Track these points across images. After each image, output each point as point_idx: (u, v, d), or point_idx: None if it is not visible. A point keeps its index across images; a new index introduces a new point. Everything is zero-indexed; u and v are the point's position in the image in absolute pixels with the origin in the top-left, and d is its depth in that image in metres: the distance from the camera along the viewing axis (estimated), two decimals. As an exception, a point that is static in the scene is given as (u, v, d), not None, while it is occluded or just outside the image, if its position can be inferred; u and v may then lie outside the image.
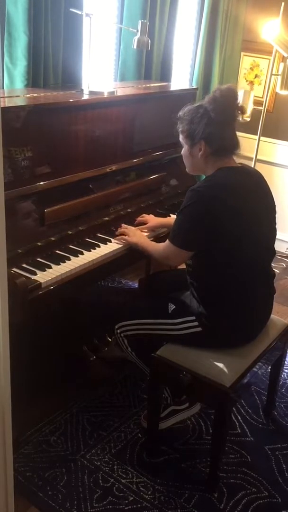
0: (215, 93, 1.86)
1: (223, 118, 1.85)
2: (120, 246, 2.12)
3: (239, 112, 1.89)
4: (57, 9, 2.38)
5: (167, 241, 1.94)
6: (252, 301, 1.93)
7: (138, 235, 2.17)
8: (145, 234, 2.24)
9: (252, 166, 3.59)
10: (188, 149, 1.94)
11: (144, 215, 2.37)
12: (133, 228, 2.23)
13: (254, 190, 1.92)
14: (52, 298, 1.83)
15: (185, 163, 2.01)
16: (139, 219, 2.35)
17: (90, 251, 2.04)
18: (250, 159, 3.64)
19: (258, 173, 1.99)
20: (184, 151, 1.97)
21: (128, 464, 2.03)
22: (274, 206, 1.98)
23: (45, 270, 1.86)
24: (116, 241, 2.15)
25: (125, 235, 2.15)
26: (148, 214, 2.39)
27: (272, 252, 2.00)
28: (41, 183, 1.98)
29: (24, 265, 1.86)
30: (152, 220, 2.33)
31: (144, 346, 2.08)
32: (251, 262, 1.88)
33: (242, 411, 2.37)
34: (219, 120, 1.85)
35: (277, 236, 2.02)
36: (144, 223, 2.32)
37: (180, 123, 1.94)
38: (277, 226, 2.01)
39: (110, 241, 2.14)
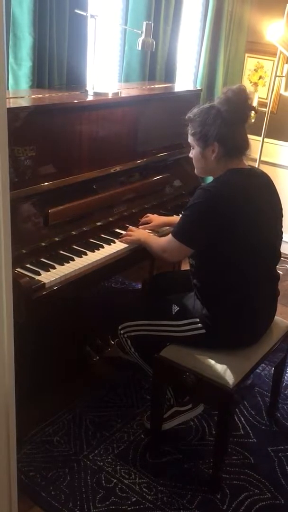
0: (227, 94, 1.84)
1: (237, 118, 1.85)
2: (124, 246, 2.12)
3: (252, 111, 1.89)
4: (62, 10, 2.38)
5: (170, 235, 1.94)
6: (256, 302, 1.93)
7: (140, 232, 2.18)
8: (149, 233, 2.25)
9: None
10: (201, 151, 1.92)
11: (148, 214, 2.37)
12: (135, 228, 2.24)
13: (262, 192, 1.92)
14: (55, 298, 1.84)
15: (195, 165, 1.99)
16: (144, 219, 2.35)
17: (93, 251, 2.05)
18: (254, 160, 3.64)
19: (267, 175, 1.98)
20: (195, 153, 1.95)
21: (131, 464, 2.03)
22: (281, 209, 1.98)
23: (49, 270, 1.87)
24: (120, 241, 2.15)
25: (128, 235, 2.16)
26: (153, 214, 2.39)
27: (278, 255, 2.00)
28: (45, 183, 1.99)
29: (28, 265, 1.87)
30: (156, 219, 2.33)
31: (147, 347, 2.08)
32: (256, 263, 1.88)
33: (245, 412, 2.37)
34: (233, 121, 1.84)
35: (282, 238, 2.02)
36: (148, 223, 2.32)
37: (191, 125, 1.92)
38: (283, 229, 2.01)
39: (114, 242, 2.15)
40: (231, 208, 1.79)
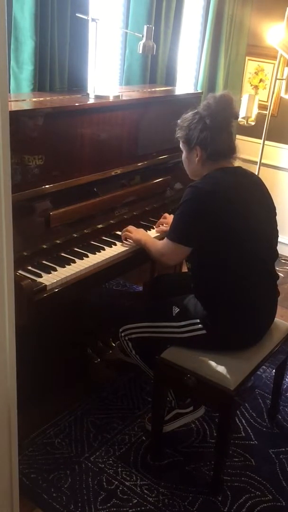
0: (209, 100, 1.92)
1: (217, 123, 1.90)
2: (125, 249, 2.13)
3: (234, 118, 1.95)
4: (63, 14, 2.40)
5: (165, 238, 1.97)
6: (256, 302, 1.93)
7: (141, 232, 2.19)
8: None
9: (257, 170, 3.59)
10: (186, 155, 2.00)
11: (165, 214, 2.39)
12: (134, 227, 2.24)
13: (252, 189, 1.96)
14: (57, 300, 1.84)
15: (185, 168, 2.06)
16: (161, 220, 2.36)
17: (95, 253, 2.06)
18: (255, 163, 3.65)
19: (256, 176, 2.04)
20: (183, 157, 2.04)
21: (132, 466, 2.04)
22: (274, 206, 2.01)
23: (50, 273, 1.87)
24: (122, 243, 2.15)
25: (128, 233, 2.17)
26: (170, 214, 2.37)
27: (274, 252, 2.01)
28: (47, 186, 1.99)
29: (29, 268, 1.87)
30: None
31: (148, 349, 2.09)
32: (253, 260, 1.89)
33: (246, 414, 2.37)
34: (213, 126, 1.90)
35: (282, 240, 2.03)
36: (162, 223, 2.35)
37: (179, 130, 2.00)
38: (282, 230, 2.01)
39: (115, 244, 2.15)
40: (220, 202, 1.82)
